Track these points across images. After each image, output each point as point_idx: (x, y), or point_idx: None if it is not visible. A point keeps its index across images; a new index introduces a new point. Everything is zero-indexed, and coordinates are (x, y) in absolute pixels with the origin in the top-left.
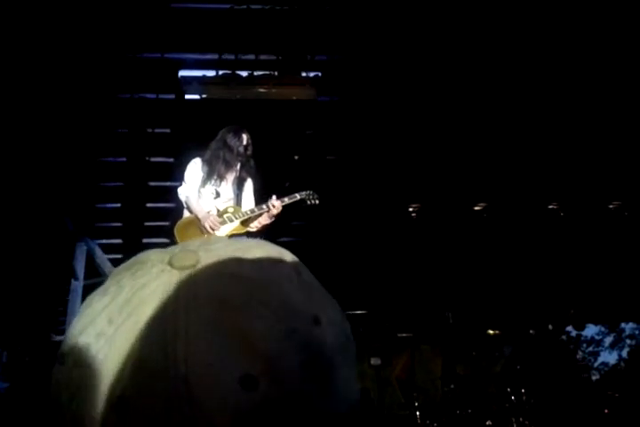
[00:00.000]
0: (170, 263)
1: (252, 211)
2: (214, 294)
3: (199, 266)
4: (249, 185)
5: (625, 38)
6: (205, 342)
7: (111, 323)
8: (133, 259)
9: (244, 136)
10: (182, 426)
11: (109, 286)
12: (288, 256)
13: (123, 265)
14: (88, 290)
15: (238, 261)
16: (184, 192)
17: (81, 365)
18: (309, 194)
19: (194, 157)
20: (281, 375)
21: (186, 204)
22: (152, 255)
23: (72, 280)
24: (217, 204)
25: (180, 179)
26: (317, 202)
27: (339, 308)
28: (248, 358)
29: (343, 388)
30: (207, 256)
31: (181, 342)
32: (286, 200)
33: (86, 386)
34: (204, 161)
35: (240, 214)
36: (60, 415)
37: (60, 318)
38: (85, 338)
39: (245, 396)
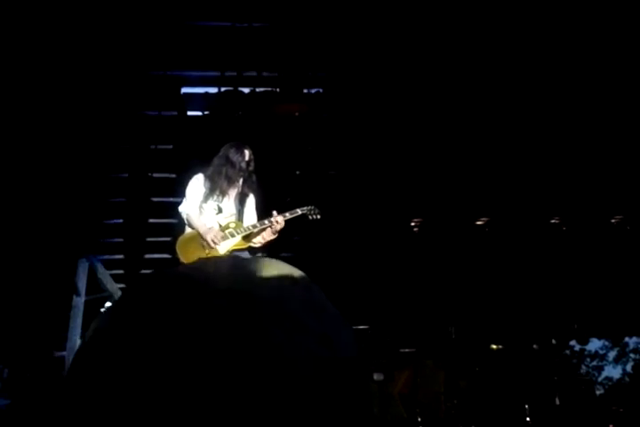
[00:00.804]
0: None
1: (254, 226)
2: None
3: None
4: (251, 200)
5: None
6: None
7: None
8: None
9: (247, 152)
10: None
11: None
12: (298, 274)
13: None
14: (90, 306)
15: (252, 292)
16: (185, 209)
17: None
18: (311, 209)
19: (196, 173)
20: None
21: (187, 221)
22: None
23: (74, 296)
24: (219, 219)
25: (182, 195)
26: (319, 217)
27: (347, 325)
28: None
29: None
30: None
31: None
32: (288, 215)
33: None
34: (206, 177)
35: (242, 230)
36: None
37: (61, 334)
38: None
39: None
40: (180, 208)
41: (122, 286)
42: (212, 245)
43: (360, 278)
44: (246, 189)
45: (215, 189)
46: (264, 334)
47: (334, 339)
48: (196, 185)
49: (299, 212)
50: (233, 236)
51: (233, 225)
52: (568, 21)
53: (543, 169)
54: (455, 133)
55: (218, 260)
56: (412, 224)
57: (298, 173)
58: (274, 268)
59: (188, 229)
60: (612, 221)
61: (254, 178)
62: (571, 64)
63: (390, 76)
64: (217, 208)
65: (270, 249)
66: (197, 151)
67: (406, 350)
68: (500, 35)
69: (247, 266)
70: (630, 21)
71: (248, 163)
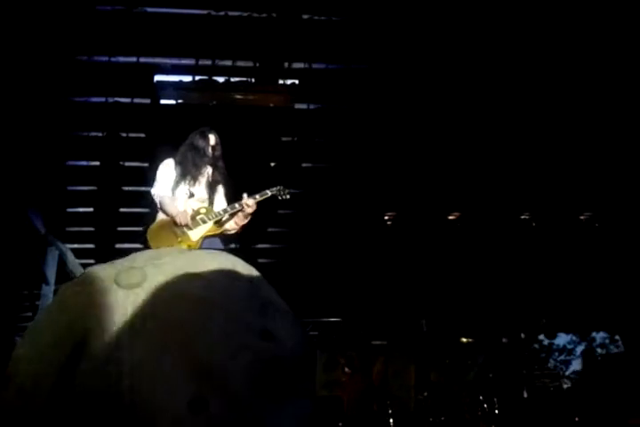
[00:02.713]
0: (116, 282)
1: (225, 211)
2: (161, 314)
3: (146, 284)
4: (221, 187)
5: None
6: (151, 367)
7: (55, 346)
8: (81, 276)
9: (212, 137)
10: None
11: (54, 306)
12: (242, 268)
13: (69, 283)
14: None
15: (188, 279)
16: (157, 191)
17: (24, 389)
18: (280, 189)
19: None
20: (231, 393)
21: (160, 204)
22: (99, 272)
23: (43, 285)
24: (191, 204)
25: (153, 182)
26: (288, 197)
27: (296, 321)
28: (196, 378)
29: (297, 404)
30: (154, 273)
31: (126, 370)
32: (258, 197)
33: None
34: (175, 163)
35: (213, 215)
36: None
37: (28, 323)
38: (29, 362)
39: (193, 420)
40: (153, 190)
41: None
42: (184, 227)
43: (332, 271)
44: (215, 175)
45: (185, 174)
46: (198, 334)
47: (277, 335)
48: (167, 169)
49: (268, 193)
50: (204, 222)
51: (204, 211)
52: (568, 21)
53: (515, 165)
54: (429, 128)
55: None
56: (386, 218)
57: (272, 164)
58: (216, 262)
59: (159, 217)
60: (581, 217)
61: (221, 163)
62: (550, 62)
63: (366, 69)
64: (188, 193)
65: (244, 241)
66: (170, 140)
67: (377, 342)
68: (488, 34)
69: (183, 259)
70: (630, 21)
71: (214, 147)
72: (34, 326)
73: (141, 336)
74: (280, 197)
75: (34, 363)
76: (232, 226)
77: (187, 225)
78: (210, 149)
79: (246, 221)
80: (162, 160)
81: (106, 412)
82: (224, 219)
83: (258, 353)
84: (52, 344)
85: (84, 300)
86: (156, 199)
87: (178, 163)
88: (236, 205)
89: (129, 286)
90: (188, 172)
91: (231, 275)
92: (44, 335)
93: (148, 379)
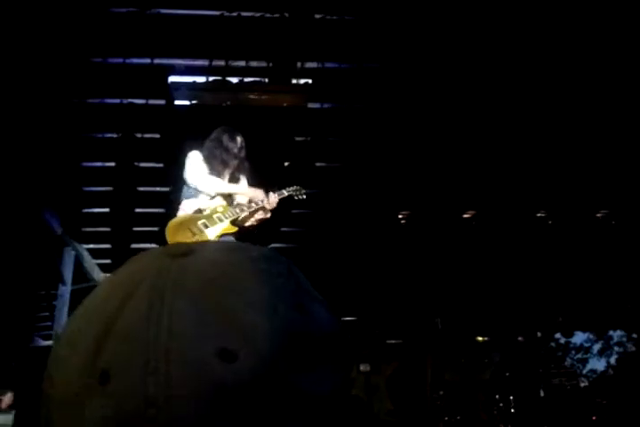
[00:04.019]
0: (165, 252)
1: (242, 210)
2: (203, 274)
3: (192, 256)
4: (243, 186)
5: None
6: (188, 316)
7: (106, 301)
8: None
9: (239, 139)
10: (159, 398)
11: (107, 278)
12: (279, 256)
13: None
14: (76, 295)
15: (230, 253)
16: (192, 178)
17: (71, 342)
18: (297, 189)
19: (183, 161)
20: (261, 352)
21: (195, 187)
22: (146, 251)
23: (60, 285)
24: (212, 203)
25: (169, 184)
26: (304, 197)
27: (330, 308)
28: (230, 332)
29: (327, 373)
30: (200, 248)
31: (165, 314)
32: (276, 195)
33: (70, 361)
34: (203, 157)
35: (230, 213)
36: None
37: (47, 322)
38: (79, 319)
39: (223, 368)
40: (187, 177)
41: (109, 275)
42: (200, 225)
43: (347, 270)
44: (238, 175)
45: (211, 170)
46: (235, 294)
47: (311, 311)
48: (196, 160)
49: (285, 193)
50: (221, 220)
51: (221, 209)
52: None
53: (530, 163)
54: (444, 126)
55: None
56: (400, 217)
57: (286, 164)
58: (256, 248)
59: (179, 213)
60: (598, 215)
61: (246, 164)
62: (565, 58)
63: (379, 67)
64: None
65: (258, 240)
66: (184, 141)
67: (393, 341)
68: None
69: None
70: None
71: (240, 150)
72: (89, 297)
73: (183, 292)
74: (296, 198)
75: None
76: (252, 223)
77: (204, 223)
78: (237, 150)
79: (266, 216)
80: (177, 161)
81: (142, 353)
82: (240, 217)
83: (291, 323)
84: (102, 300)
85: (131, 267)
86: (192, 184)
87: (204, 157)
88: (253, 205)
89: (175, 256)
90: (213, 168)
91: (270, 257)
92: (95, 297)
93: (184, 324)
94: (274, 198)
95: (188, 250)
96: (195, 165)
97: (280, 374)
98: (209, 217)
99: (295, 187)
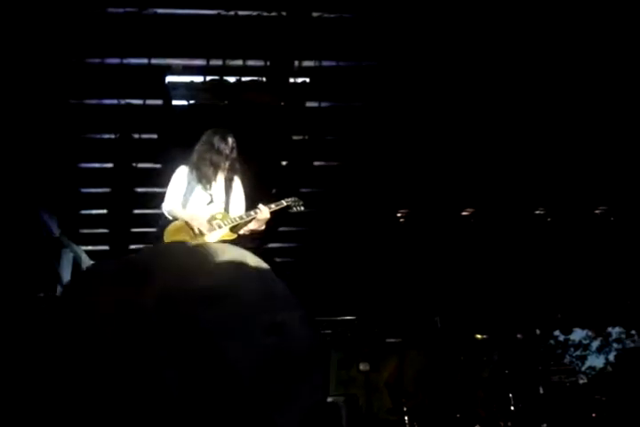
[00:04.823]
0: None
1: (241, 217)
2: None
3: None
4: (238, 190)
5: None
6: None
7: None
8: None
9: (230, 139)
10: None
11: None
12: (253, 260)
13: None
14: None
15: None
16: (166, 207)
17: None
18: (295, 201)
19: (180, 164)
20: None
21: (172, 216)
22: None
23: (58, 286)
24: (209, 209)
25: (167, 185)
26: (302, 209)
27: (305, 315)
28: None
29: (305, 396)
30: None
31: None
32: (273, 207)
33: None
34: (191, 165)
35: (229, 221)
36: None
37: None
38: None
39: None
40: (163, 206)
41: None
42: (199, 231)
43: (346, 269)
44: (232, 177)
45: (202, 177)
46: (194, 324)
47: (286, 328)
48: (178, 179)
49: (284, 203)
50: (220, 227)
51: (220, 216)
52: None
53: (528, 160)
54: (441, 124)
55: (168, 246)
56: (399, 215)
57: (284, 163)
58: (227, 255)
59: (175, 221)
60: (596, 211)
61: (238, 165)
62: (565, 56)
63: (377, 66)
64: (209, 198)
65: (258, 240)
66: (182, 141)
67: (392, 340)
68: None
69: (198, 254)
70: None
71: (231, 150)
72: None
73: None
74: (294, 209)
75: None
76: (245, 231)
77: (200, 230)
78: (229, 151)
79: (260, 228)
80: (175, 161)
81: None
82: (239, 225)
83: (265, 348)
84: None
85: None
86: (167, 215)
87: (193, 164)
88: (252, 213)
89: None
90: (204, 173)
91: (243, 268)
92: None
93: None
94: (266, 210)
95: None
96: (172, 191)
97: (259, 407)
98: (208, 223)
99: (294, 198)
